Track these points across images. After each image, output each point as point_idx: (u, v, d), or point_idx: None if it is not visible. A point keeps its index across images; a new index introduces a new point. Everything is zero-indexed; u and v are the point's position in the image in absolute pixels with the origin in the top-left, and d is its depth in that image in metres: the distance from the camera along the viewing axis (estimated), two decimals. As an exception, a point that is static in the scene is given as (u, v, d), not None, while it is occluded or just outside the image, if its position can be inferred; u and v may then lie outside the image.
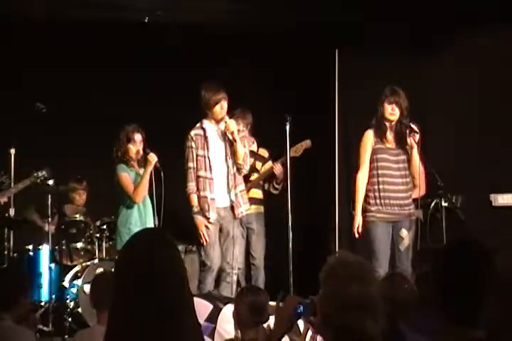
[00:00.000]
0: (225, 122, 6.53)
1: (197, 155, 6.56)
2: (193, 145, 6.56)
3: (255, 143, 7.53)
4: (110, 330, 2.35)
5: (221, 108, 6.52)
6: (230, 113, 6.93)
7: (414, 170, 6.44)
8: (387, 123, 6.42)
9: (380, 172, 6.41)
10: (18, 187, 6.86)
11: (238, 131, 6.60)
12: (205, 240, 6.48)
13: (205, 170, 6.54)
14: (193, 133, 6.61)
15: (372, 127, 6.45)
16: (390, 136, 6.44)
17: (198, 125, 6.65)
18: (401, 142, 6.43)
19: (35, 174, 6.77)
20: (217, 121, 6.60)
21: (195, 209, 6.54)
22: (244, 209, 6.69)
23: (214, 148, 6.60)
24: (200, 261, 6.62)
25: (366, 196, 6.43)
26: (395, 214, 6.39)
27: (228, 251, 6.58)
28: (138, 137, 6.66)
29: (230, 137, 6.56)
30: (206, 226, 6.50)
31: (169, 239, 2.44)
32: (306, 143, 7.32)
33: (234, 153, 6.57)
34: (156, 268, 2.34)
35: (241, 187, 6.69)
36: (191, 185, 6.55)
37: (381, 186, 6.39)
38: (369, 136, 6.44)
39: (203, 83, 6.62)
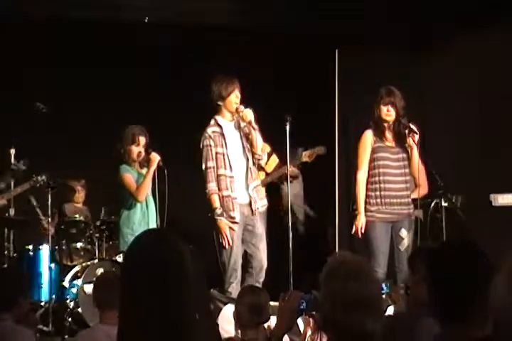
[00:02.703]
0: (241, 111, 6.32)
1: (216, 153, 6.32)
2: (212, 143, 6.31)
3: None
4: (122, 331, 2.36)
5: (236, 97, 6.33)
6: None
7: (414, 170, 6.46)
8: (385, 124, 6.43)
9: (380, 171, 6.42)
10: (17, 190, 6.86)
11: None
12: (229, 243, 6.23)
13: (225, 168, 6.30)
14: (209, 130, 6.37)
15: (371, 128, 6.47)
16: (388, 135, 6.46)
17: (213, 122, 6.42)
18: (400, 141, 6.44)
19: (35, 179, 6.76)
20: (232, 113, 6.40)
21: (218, 210, 6.25)
22: (261, 204, 6.47)
23: (231, 145, 6.39)
24: (220, 262, 6.34)
25: (366, 196, 6.43)
26: (394, 213, 6.39)
27: (257, 248, 6.37)
28: (142, 139, 6.68)
29: (246, 129, 6.40)
30: (231, 228, 6.25)
31: (174, 239, 2.45)
32: (321, 150, 7.33)
33: (251, 144, 6.39)
34: (161, 268, 2.35)
35: (256, 182, 6.49)
36: (212, 186, 6.28)
37: (382, 185, 6.39)
38: (368, 136, 6.46)
39: (215, 77, 6.43)
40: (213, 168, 6.32)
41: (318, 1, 7.81)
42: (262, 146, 6.45)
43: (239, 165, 6.41)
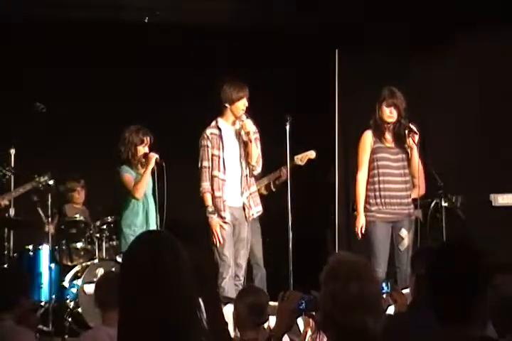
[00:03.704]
0: (242, 121, 6.45)
1: (212, 155, 6.48)
2: (209, 144, 6.48)
3: None
4: (121, 331, 2.37)
5: (243, 105, 6.46)
6: None
7: (414, 170, 6.46)
8: (386, 125, 6.44)
9: (380, 171, 6.43)
10: (19, 191, 6.84)
11: (253, 132, 6.55)
12: (219, 241, 6.39)
13: (219, 170, 6.47)
14: (208, 132, 6.51)
15: (371, 128, 6.48)
16: (388, 135, 6.47)
17: (213, 124, 6.56)
18: (400, 141, 6.45)
19: (37, 179, 6.75)
20: (235, 118, 6.51)
21: (210, 208, 6.45)
22: (256, 211, 6.63)
23: (228, 149, 6.52)
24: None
25: (366, 196, 6.44)
26: (395, 213, 6.40)
27: (238, 253, 6.52)
28: (148, 140, 6.69)
29: (245, 137, 6.50)
30: (221, 226, 6.42)
31: (172, 240, 2.46)
32: (311, 154, 7.38)
33: (248, 154, 6.50)
34: (158, 269, 2.35)
35: (253, 188, 6.64)
36: (206, 185, 6.47)
37: (381, 185, 6.40)
38: (368, 137, 6.47)
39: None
40: (208, 168, 6.48)
41: (318, 1, 7.82)
42: (257, 158, 6.53)
43: (234, 169, 6.53)
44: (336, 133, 8.17)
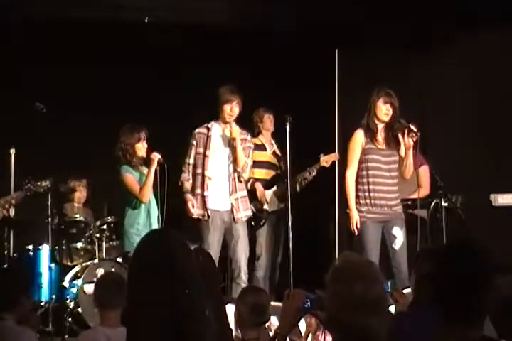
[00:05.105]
0: (230, 127, 6.59)
1: (196, 153, 6.67)
2: (194, 143, 6.70)
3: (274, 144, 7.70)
4: (129, 332, 2.38)
5: (230, 109, 6.58)
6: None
7: (408, 170, 6.45)
8: (379, 124, 6.41)
9: (370, 172, 6.42)
10: (21, 195, 6.84)
11: (245, 140, 6.67)
12: (191, 213, 6.57)
13: (202, 168, 6.63)
14: (196, 131, 6.74)
15: (363, 127, 6.45)
16: (380, 137, 6.44)
17: (205, 124, 6.75)
18: (391, 143, 6.43)
19: (39, 183, 6.74)
20: (225, 123, 6.65)
21: (186, 189, 6.67)
22: (244, 214, 6.71)
23: (216, 149, 6.66)
24: None
25: (356, 196, 6.44)
26: (385, 213, 6.40)
27: (237, 253, 6.59)
28: (144, 134, 6.70)
29: (232, 143, 6.61)
30: (193, 204, 6.60)
31: (177, 239, 2.46)
32: (336, 156, 7.49)
33: (235, 160, 6.61)
34: (164, 268, 2.36)
35: (242, 193, 6.73)
36: (185, 176, 6.70)
37: (371, 186, 6.40)
38: (359, 136, 6.45)
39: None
40: (190, 165, 6.72)
41: (319, 1, 7.82)
42: (243, 165, 6.62)
43: (220, 169, 6.66)
44: (336, 133, 8.17)
